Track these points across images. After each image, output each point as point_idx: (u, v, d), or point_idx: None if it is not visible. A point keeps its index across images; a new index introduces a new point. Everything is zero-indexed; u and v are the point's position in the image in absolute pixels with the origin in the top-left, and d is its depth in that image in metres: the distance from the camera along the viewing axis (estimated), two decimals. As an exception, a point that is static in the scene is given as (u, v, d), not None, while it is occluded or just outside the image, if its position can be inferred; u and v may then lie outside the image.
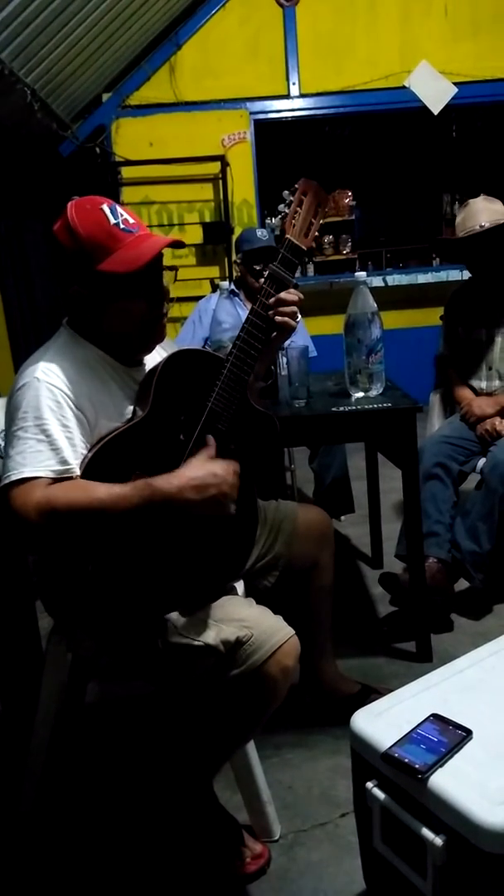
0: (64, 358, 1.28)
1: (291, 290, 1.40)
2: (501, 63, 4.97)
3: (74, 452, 1.22)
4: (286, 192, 1.44)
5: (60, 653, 1.51)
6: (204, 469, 1.23)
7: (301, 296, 1.42)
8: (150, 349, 1.42)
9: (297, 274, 1.44)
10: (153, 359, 1.44)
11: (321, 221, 1.45)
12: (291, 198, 1.42)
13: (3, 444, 1.45)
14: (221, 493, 1.22)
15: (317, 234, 1.43)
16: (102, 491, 1.16)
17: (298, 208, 1.39)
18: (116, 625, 1.30)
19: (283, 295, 1.39)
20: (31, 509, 1.14)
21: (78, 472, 1.21)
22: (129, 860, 1.48)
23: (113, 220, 1.26)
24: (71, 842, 1.56)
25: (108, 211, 1.27)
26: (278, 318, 1.39)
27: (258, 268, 2.74)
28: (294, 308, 1.40)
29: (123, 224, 1.27)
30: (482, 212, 2.39)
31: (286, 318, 1.40)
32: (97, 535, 1.19)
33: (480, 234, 2.35)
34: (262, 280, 1.40)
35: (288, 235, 1.39)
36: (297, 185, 1.42)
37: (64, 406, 1.23)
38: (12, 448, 1.21)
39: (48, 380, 1.23)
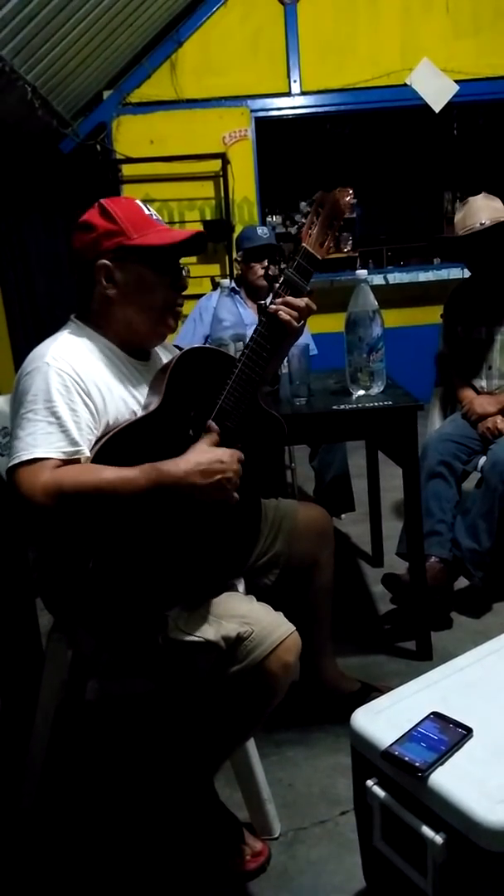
0: (73, 346, 1.31)
1: (302, 298, 1.42)
2: (502, 60, 4.96)
3: (81, 435, 1.23)
4: (304, 203, 1.50)
5: (60, 650, 1.52)
6: (210, 454, 1.25)
7: (313, 306, 1.43)
8: (160, 338, 1.44)
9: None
10: (159, 357, 1.46)
11: (336, 233, 1.49)
12: (309, 208, 1.46)
13: (5, 441, 1.45)
14: (226, 478, 1.24)
15: (332, 245, 1.47)
16: (110, 473, 1.17)
17: (315, 219, 1.43)
18: (117, 621, 1.30)
19: (290, 299, 1.41)
20: (38, 490, 1.14)
21: (87, 453, 1.22)
22: (129, 857, 1.48)
23: (147, 212, 1.36)
24: (71, 839, 1.56)
25: (141, 204, 1.38)
26: (283, 316, 1.39)
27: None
28: (296, 313, 1.41)
29: (156, 216, 1.38)
30: (483, 209, 2.38)
31: (289, 318, 1.40)
32: (103, 520, 1.19)
33: (481, 232, 2.35)
34: (277, 285, 1.42)
35: (304, 244, 1.41)
36: (315, 197, 1.45)
37: (72, 391, 1.24)
38: (21, 430, 1.21)
39: (57, 365, 1.25)
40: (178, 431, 1.31)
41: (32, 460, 1.18)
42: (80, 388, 1.25)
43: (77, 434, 1.22)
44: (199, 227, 4.87)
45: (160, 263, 1.34)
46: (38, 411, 1.21)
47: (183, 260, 1.41)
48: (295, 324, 1.40)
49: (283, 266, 1.45)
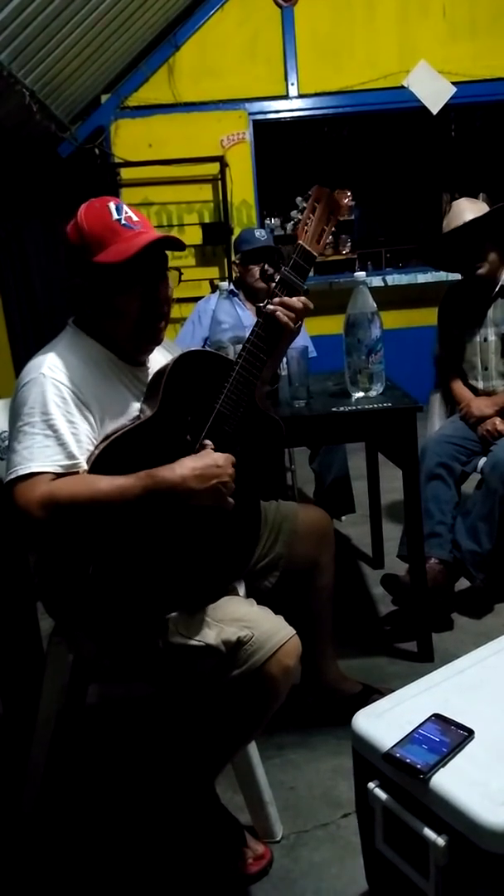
0: (70, 355, 1.29)
1: (299, 298, 1.41)
2: (500, 62, 4.97)
3: (80, 448, 1.23)
4: (299, 198, 1.46)
5: (61, 654, 1.51)
6: (206, 459, 1.25)
7: (310, 305, 1.42)
8: (145, 351, 1.42)
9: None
10: (157, 360, 1.45)
11: (333, 228, 1.47)
12: (305, 204, 1.43)
13: (4, 444, 1.45)
14: (222, 482, 1.24)
15: (329, 240, 1.44)
16: (104, 482, 1.17)
17: (311, 215, 1.41)
18: (117, 625, 1.30)
19: (287, 299, 1.40)
20: (34, 504, 1.14)
21: (84, 466, 1.22)
22: (131, 861, 1.48)
23: (115, 216, 1.30)
24: (73, 843, 1.56)
25: (112, 208, 1.31)
26: (281, 318, 1.39)
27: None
28: (293, 314, 1.40)
29: (126, 220, 1.30)
30: (466, 210, 2.40)
31: (287, 321, 1.39)
32: (100, 529, 1.19)
33: (465, 227, 2.34)
34: (273, 285, 1.41)
35: (300, 241, 1.40)
36: (310, 192, 1.43)
37: (69, 402, 1.24)
38: (18, 443, 1.21)
39: (54, 376, 1.24)
40: (176, 437, 1.30)
41: (29, 475, 1.18)
42: (77, 398, 1.25)
43: (75, 447, 1.22)
44: (196, 230, 4.89)
45: (123, 277, 1.28)
46: (35, 424, 1.21)
47: (181, 262, 1.40)
48: (292, 325, 1.40)
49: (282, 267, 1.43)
